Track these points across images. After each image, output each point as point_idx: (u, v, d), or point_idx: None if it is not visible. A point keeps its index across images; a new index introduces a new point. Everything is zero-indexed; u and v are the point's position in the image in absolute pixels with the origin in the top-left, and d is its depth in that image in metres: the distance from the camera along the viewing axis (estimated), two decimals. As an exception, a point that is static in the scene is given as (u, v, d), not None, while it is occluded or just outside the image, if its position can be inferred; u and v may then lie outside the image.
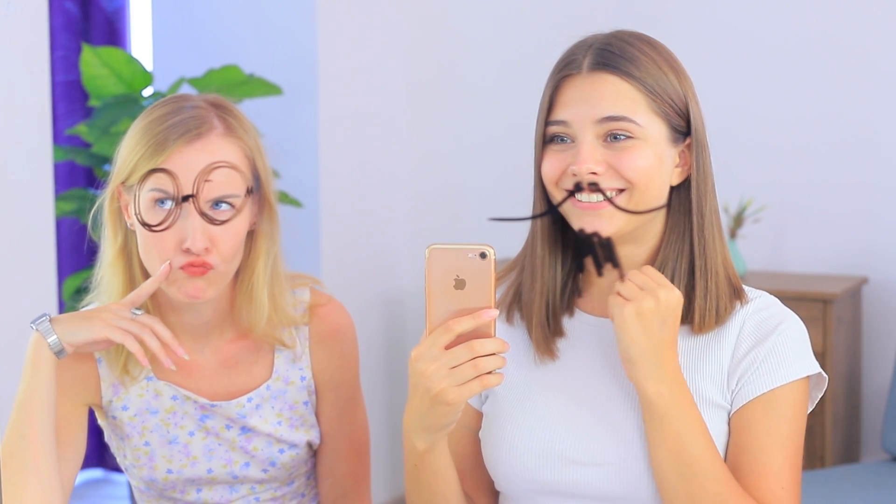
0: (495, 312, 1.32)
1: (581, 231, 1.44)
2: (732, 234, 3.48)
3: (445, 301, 1.32)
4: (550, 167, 1.46)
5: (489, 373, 1.32)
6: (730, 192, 3.48)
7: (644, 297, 1.39)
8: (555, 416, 1.48)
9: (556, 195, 1.46)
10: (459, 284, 1.32)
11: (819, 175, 3.56)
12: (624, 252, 1.47)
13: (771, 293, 1.53)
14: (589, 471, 1.45)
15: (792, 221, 3.59)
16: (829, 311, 3.20)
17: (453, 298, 1.32)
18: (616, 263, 1.43)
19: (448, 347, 1.32)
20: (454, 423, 1.39)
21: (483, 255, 1.31)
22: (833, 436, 3.23)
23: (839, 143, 3.53)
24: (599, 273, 1.45)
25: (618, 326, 1.40)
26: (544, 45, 3.20)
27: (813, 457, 3.22)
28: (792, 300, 1.65)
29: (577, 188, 1.43)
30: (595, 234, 1.43)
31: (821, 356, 3.15)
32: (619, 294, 1.41)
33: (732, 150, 3.51)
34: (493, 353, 1.32)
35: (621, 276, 1.44)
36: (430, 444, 1.41)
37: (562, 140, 1.46)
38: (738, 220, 3.47)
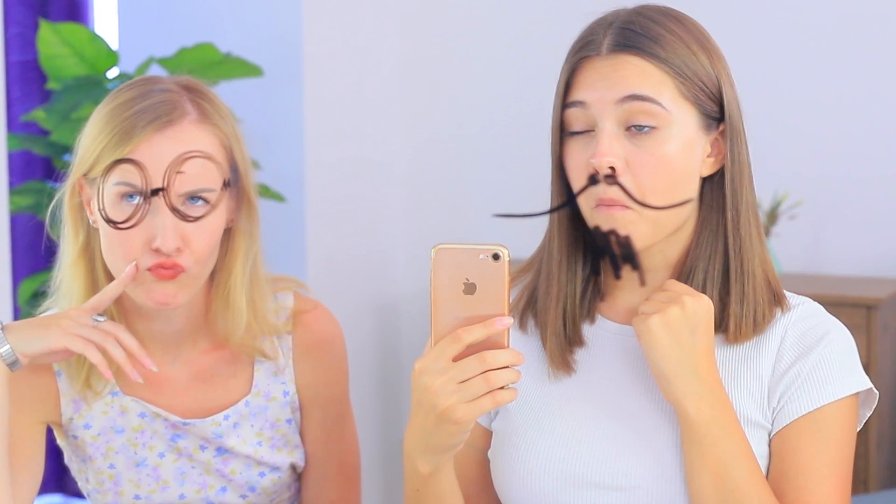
0: (510, 321, 1.31)
1: (596, 229, 1.44)
2: (766, 233, 3.48)
3: (453, 307, 1.31)
4: (575, 164, 1.45)
5: (502, 388, 1.31)
6: (762, 186, 3.45)
7: (668, 305, 1.40)
8: (576, 434, 1.48)
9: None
10: (469, 289, 1.31)
11: (862, 166, 3.54)
12: (650, 252, 1.47)
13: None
14: (614, 496, 1.45)
15: (832, 218, 3.59)
16: (873, 318, 3.19)
17: (462, 304, 1.31)
18: (636, 265, 1.44)
19: (456, 359, 1.31)
20: (461, 444, 1.38)
21: (496, 257, 1.30)
22: (878, 457, 3.23)
23: (885, 131, 3.52)
24: (617, 276, 1.45)
25: (645, 343, 1.40)
26: (558, 20, 3.18)
27: (855, 480, 3.21)
28: (831, 306, 1.65)
29: (592, 180, 1.42)
30: (612, 233, 1.43)
31: (864, 368, 3.13)
32: (642, 313, 1.42)
33: (765, 137, 3.49)
34: (507, 366, 1.31)
35: (641, 280, 1.44)
36: (435, 466, 1.41)
37: (580, 133, 1.45)
38: (772, 217, 3.47)
